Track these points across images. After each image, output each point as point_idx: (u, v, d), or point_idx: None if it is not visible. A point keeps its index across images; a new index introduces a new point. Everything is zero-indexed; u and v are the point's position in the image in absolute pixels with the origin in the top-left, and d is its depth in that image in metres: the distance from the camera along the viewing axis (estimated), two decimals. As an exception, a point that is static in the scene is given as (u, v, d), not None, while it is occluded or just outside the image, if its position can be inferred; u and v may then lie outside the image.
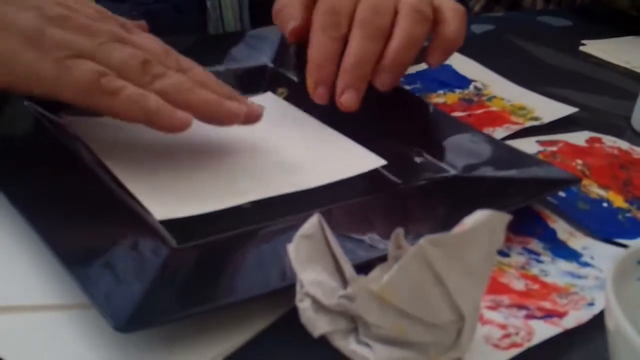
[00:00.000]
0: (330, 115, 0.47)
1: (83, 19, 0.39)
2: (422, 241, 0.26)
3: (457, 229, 0.27)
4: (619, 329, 0.25)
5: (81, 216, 0.35)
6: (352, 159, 0.44)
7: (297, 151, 0.44)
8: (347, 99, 0.44)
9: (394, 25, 0.45)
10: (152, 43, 0.41)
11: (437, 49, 0.48)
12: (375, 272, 0.28)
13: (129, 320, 0.27)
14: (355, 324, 0.29)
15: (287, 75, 0.53)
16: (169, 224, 0.35)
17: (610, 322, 0.26)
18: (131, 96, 0.37)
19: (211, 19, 0.62)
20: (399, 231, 0.29)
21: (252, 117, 0.41)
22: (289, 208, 0.38)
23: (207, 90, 0.40)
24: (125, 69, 0.38)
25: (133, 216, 0.35)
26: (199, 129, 0.41)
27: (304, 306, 0.29)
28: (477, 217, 0.27)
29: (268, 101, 0.50)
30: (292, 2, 0.49)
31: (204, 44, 0.59)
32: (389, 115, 0.49)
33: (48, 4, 0.38)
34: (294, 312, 0.29)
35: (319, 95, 0.45)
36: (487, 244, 0.27)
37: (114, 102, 0.37)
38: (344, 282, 0.29)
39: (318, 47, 0.45)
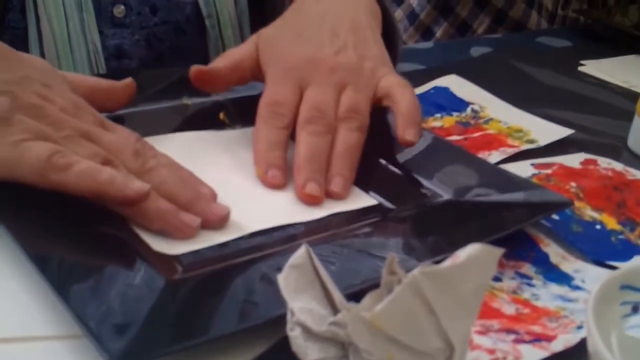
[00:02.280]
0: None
1: (55, 112, 0.39)
2: (416, 272, 0.27)
3: (450, 261, 0.27)
4: (598, 353, 0.26)
5: (79, 248, 0.36)
6: (344, 199, 0.44)
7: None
8: (311, 189, 0.42)
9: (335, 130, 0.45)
10: (123, 142, 0.40)
11: (403, 126, 0.45)
12: (367, 300, 0.29)
13: (125, 353, 0.28)
14: (345, 351, 0.30)
15: None
16: (166, 256, 0.36)
17: (590, 347, 0.27)
18: (84, 170, 0.36)
19: (211, 37, 0.63)
20: (393, 257, 0.29)
21: (211, 224, 0.39)
22: (283, 238, 0.39)
23: (164, 197, 0.38)
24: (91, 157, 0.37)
25: (130, 249, 0.36)
26: (197, 164, 0.42)
27: (294, 334, 0.29)
28: (470, 251, 0.27)
29: None
30: (229, 55, 0.50)
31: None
32: (383, 141, 0.49)
33: (25, 91, 0.39)
34: (285, 341, 0.29)
35: (272, 177, 0.44)
36: (478, 277, 0.28)
37: (66, 176, 0.36)
38: (334, 310, 0.30)
39: (263, 136, 0.45)
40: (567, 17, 0.96)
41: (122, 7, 0.59)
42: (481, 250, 0.27)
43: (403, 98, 0.46)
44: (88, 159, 0.37)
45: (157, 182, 0.39)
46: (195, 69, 0.48)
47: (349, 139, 0.45)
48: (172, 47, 0.62)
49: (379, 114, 0.50)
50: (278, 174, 0.44)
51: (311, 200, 0.43)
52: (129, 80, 0.47)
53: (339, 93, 0.46)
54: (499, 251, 0.27)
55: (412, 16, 0.98)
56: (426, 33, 0.97)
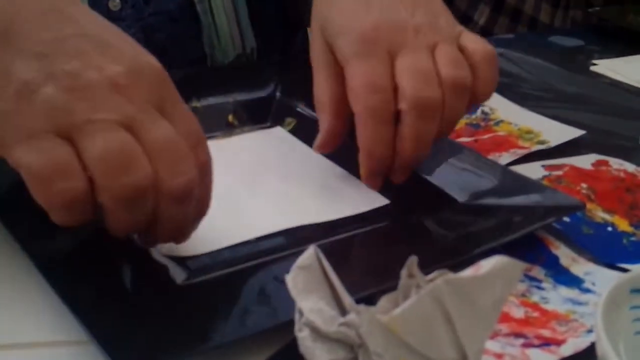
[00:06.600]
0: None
1: (96, 84, 0.30)
2: (438, 279, 0.26)
3: (473, 271, 0.27)
4: (606, 358, 0.26)
5: (85, 253, 0.36)
6: (355, 199, 0.44)
7: (303, 189, 0.45)
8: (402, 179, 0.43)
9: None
10: (171, 144, 0.31)
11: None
12: (382, 302, 0.29)
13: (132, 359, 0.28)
14: (354, 353, 0.30)
15: (295, 106, 0.54)
16: (174, 261, 0.36)
17: (599, 351, 0.27)
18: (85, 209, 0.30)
19: (204, 25, 0.63)
20: (413, 260, 0.29)
21: None
22: (292, 242, 0.39)
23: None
24: (96, 164, 0.30)
25: (137, 254, 0.36)
26: None
27: (302, 335, 0.29)
28: (495, 263, 0.27)
29: (276, 135, 0.52)
30: (320, 100, 0.44)
31: (212, 74, 0.60)
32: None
33: (62, 52, 0.30)
34: (293, 342, 0.29)
35: (372, 184, 0.43)
36: (500, 290, 0.27)
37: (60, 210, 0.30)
38: (343, 312, 0.30)
39: (368, 134, 0.40)
40: (569, 8, 0.95)
41: (117, 0, 0.58)
42: (505, 263, 0.26)
43: (485, 72, 0.42)
44: (104, 156, 0.29)
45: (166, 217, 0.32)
46: (319, 148, 0.45)
47: (456, 111, 0.42)
48: (168, 37, 0.61)
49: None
50: (379, 183, 0.42)
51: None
52: None
53: (432, 54, 0.41)
54: (522, 265, 0.27)
55: None
56: None
